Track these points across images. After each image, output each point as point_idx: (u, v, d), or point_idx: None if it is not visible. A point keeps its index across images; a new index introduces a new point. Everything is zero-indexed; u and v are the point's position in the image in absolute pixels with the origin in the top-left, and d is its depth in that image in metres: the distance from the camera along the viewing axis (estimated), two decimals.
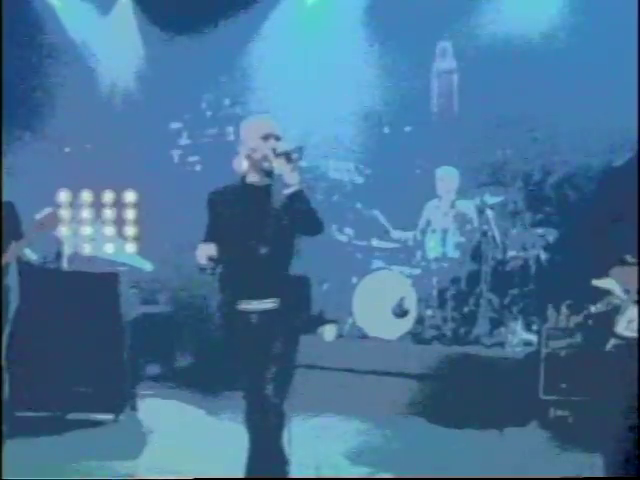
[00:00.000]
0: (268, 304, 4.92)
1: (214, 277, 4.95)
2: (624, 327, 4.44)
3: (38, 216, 6.21)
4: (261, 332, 4.90)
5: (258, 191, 5.01)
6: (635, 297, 4.42)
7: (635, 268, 4.42)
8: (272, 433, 4.86)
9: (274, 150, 4.92)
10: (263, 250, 4.88)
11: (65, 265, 7.68)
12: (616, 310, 4.48)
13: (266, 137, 4.97)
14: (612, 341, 4.48)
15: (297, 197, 4.86)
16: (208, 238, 4.97)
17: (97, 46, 10.60)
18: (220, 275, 5.01)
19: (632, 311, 4.44)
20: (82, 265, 8.37)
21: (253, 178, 5.05)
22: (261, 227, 4.91)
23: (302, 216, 4.89)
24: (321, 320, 6.66)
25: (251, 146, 5.00)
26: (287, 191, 4.86)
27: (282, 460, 4.96)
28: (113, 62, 10.71)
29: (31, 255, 6.36)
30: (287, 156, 4.85)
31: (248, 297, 4.93)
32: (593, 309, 4.66)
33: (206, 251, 4.84)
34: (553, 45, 9.47)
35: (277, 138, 4.99)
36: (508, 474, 5.86)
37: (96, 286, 7.57)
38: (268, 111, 10.12)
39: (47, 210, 6.23)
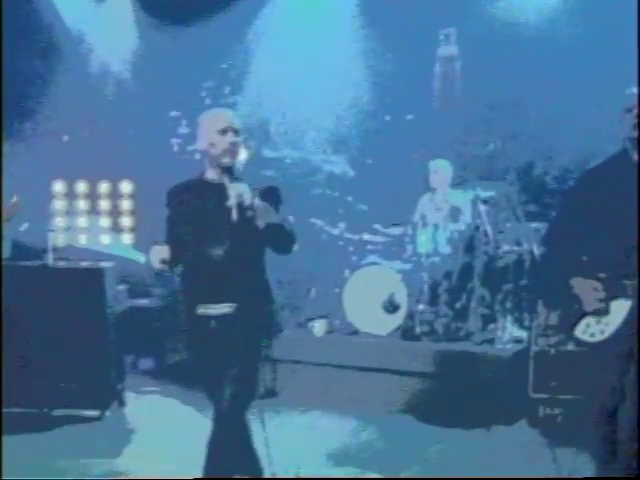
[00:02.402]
0: (225, 309, 4.76)
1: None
2: (582, 331, 4.64)
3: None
4: (220, 337, 4.76)
5: (216, 189, 4.78)
6: (590, 308, 4.61)
7: (592, 283, 4.58)
8: (234, 435, 4.76)
9: (232, 143, 4.77)
10: (220, 252, 4.72)
11: (50, 260, 7.61)
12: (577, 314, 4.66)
13: (224, 131, 4.78)
14: (570, 344, 4.87)
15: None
16: (165, 238, 4.82)
17: (94, 34, 10.52)
18: (179, 278, 4.90)
19: (588, 319, 4.64)
20: (74, 257, 8.30)
21: (211, 175, 4.87)
22: (219, 227, 4.72)
23: (265, 235, 4.69)
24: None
25: (209, 141, 4.80)
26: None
27: (251, 460, 4.89)
28: (110, 50, 10.62)
29: None
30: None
31: (206, 301, 4.77)
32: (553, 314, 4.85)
33: (158, 254, 4.65)
34: (556, 32, 9.38)
35: (235, 132, 4.80)
36: (496, 473, 5.80)
37: (82, 281, 7.51)
38: (266, 101, 10.13)
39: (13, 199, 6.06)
